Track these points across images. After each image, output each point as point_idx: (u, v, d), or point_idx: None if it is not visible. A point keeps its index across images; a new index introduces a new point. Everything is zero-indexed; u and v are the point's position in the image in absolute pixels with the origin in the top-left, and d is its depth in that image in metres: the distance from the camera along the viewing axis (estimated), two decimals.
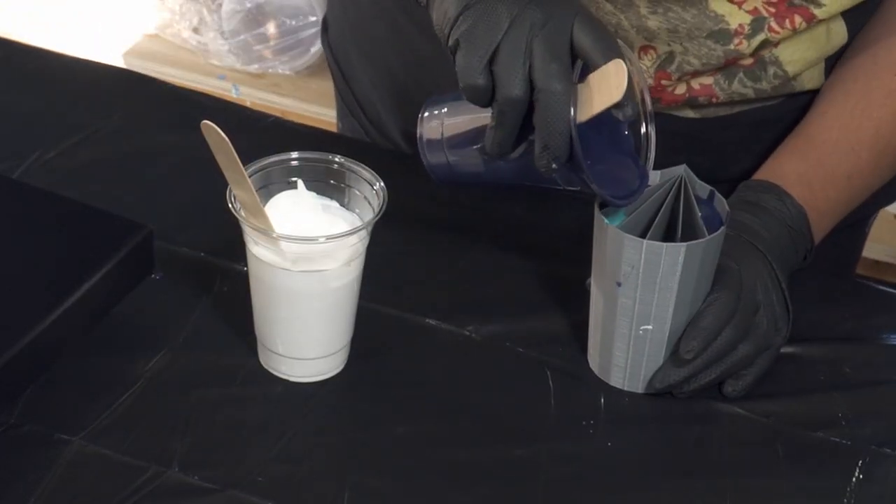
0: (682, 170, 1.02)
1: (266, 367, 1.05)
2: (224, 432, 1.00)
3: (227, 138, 0.96)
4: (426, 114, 1.07)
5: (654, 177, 1.03)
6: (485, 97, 0.98)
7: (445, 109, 1.06)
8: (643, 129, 1.02)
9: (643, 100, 1.02)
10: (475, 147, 1.04)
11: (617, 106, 0.95)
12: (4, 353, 0.94)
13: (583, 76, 0.97)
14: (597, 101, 0.96)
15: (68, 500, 0.94)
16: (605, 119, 0.98)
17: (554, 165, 0.97)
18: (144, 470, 0.96)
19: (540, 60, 0.96)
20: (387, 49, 1.28)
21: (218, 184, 0.99)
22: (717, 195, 1.02)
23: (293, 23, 2.48)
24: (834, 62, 1.18)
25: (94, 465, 0.97)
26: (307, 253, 0.99)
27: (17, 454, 0.97)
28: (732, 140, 1.20)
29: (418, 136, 1.07)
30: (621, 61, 0.95)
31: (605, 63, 0.95)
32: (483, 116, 1.01)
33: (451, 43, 0.99)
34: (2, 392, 0.97)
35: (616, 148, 1.03)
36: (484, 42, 0.98)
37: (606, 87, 0.95)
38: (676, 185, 1.02)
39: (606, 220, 1.01)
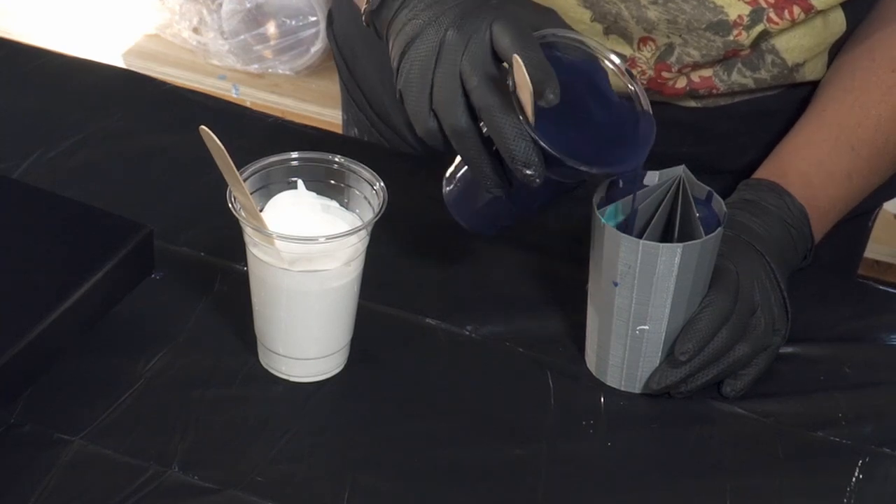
0: (680, 170, 1.02)
1: (266, 367, 1.05)
2: (224, 432, 1.00)
3: (222, 145, 0.96)
4: (444, 182, 1.07)
5: (653, 177, 1.03)
6: (442, 141, 0.99)
7: (452, 169, 1.06)
8: (629, 88, 1.01)
9: (615, 66, 1.01)
10: (486, 194, 1.03)
11: (538, 96, 0.94)
12: (4, 353, 0.94)
13: None
14: (524, 98, 0.95)
15: (68, 500, 0.94)
16: (587, 101, 0.98)
17: (528, 172, 0.96)
18: (144, 470, 0.96)
19: (470, 82, 0.97)
20: None
21: (218, 184, 0.99)
22: (716, 196, 1.03)
23: (293, 23, 2.48)
24: (836, 53, 1.18)
25: (94, 465, 0.97)
26: (307, 253, 0.99)
27: (17, 454, 0.97)
28: (736, 130, 1.20)
29: (447, 204, 1.07)
30: (516, 56, 0.94)
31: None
32: None
33: (398, 97, 1.01)
34: (2, 392, 0.97)
35: (610, 124, 1.01)
36: (419, 86, 0.98)
37: (524, 81, 0.94)
38: (675, 185, 1.02)
39: (603, 220, 1.01)
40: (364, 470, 0.98)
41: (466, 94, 0.97)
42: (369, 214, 1.02)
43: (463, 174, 1.05)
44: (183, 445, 0.98)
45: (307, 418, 1.02)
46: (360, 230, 1.00)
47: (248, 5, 2.48)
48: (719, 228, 1.01)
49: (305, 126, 1.30)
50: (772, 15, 1.11)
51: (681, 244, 0.99)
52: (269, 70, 2.50)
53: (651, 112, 1.01)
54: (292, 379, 1.04)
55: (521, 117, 0.96)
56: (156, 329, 1.07)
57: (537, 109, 0.95)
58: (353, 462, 0.99)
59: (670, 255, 0.99)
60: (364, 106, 1.35)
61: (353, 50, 1.34)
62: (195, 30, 2.53)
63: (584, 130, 1.00)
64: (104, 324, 1.04)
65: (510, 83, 0.96)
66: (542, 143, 0.95)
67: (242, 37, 2.49)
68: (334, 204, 1.04)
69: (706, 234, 1.00)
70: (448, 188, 1.06)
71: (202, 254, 1.13)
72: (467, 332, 1.09)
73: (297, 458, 0.98)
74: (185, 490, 0.95)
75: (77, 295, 0.99)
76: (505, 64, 0.97)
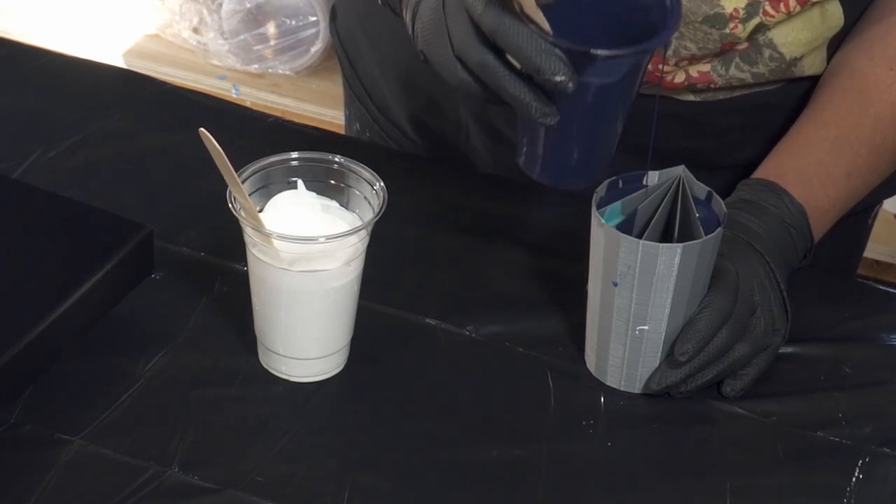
0: (680, 170, 1.02)
1: (266, 367, 1.05)
2: (224, 432, 1.00)
3: (220, 148, 0.96)
4: (515, 155, 1.04)
5: (653, 177, 1.03)
6: (477, 86, 0.98)
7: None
8: None
9: None
10: (542, 132, 1.00)
11: None
12: (4, 353, 0.94)
13: None
14: (529, 8, 0.93)
15: (68, 500, 0.94)
16: (606, 3, 0.98)
17: (558, 79, 0.93)
18: (144, 470, 0.96)
19: (475, 10, 0.94)
20: (394, 35, 1.28)
21: (218, 184, 0.99)
22: (715, 196, 1.03)
23: (293, 23, 2.48)
24: (835, 48, 1.18)
25: (94, 465, 0.97)
26: (307, 253, 0.99)
27: (17, 454, 0.97)
28: (735, 125, 1.20)
29: (523, 169, 1.03)
30: None
31: None
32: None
33: (422, 58, 0.99)
34: (2, 392, 0.97)
35: (633, 14, 0.99)
36: (436, 37, 0.97)
37: None
38: (675, 185, 1.02)
39: (603, 220, 1.01)
40: (364, 470, 0.98)
41: (480, 28, 0.95)
42: (369, 214, 1.02)
43: (522, 132, 1.02)
44: (183, 445, 0.98)
45: (307, 418, 1.02)
46: (360, 230, 1.00)
47: (248, 5, 2.48)
48: (719, 228, 1.01)
49: (305, 126, 1.30)
50: (767, 7, 1.11)
51: (681, 244, 0.99)
52: (269, 70, 2.51)
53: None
54: (292, 379, 1.04)
55: (533, 27, 0.93)
56: (156, 329, 1.07)
57: (550, 18, 0.93)
58: (353, 462, 0.99)
59: (670, 256, 0.99)
60: (366, 100, 1.36)
61: (356, 44, 1.35)
62: (195, 30, 2.53)
63: (606, 26, 0.98)
64: (104, 324, 1.04)
65: (515, 2, 0.94)
66: (561, 44, 0.93)
67: (242, 37, 2.49)
68: (334, 204, 1.04)
69: (706, 234, 1.00)
70: (519, 157, 1.03)
71: (202, 254, 1.13)
72: (467, 332, 1.09)
73: (297, 458, 0.98)
74: (185, 490, 0.96)
75: (77, 295, 0.99)
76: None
